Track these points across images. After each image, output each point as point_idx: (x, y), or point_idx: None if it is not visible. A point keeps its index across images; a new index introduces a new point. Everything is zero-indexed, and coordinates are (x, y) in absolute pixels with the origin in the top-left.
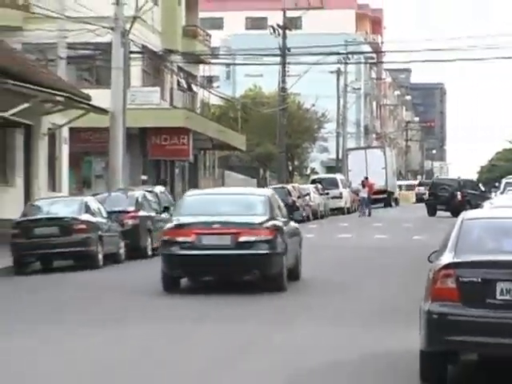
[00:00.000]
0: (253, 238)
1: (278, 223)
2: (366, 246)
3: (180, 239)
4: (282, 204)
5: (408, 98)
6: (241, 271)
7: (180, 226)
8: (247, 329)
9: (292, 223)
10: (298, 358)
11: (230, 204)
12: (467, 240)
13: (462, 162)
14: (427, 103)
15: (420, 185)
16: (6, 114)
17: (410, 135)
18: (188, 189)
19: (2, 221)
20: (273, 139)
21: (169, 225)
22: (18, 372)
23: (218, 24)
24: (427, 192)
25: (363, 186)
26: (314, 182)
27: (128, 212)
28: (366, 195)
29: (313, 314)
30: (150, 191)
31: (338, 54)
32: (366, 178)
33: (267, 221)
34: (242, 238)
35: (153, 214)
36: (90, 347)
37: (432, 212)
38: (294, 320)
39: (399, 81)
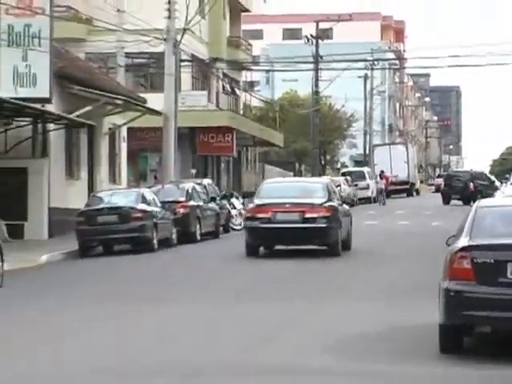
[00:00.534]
0: (315, 215)
1: (334, 204)
2: (392, 231)
3: (260, 216)
4: (336, 190)
5: (427, 99)
6: (306, 241)
7: (260, 206)
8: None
9: (345, 205)
10: (339, 323)
11: (297, 189)
12: (481, 226)
13: (476, 156)
14: (444, 104)
15: (439, 177)
16: (72, 116)
17: (430, 133)
18: (232, 181)
19: (68, 210)
20: (307, 137)
21: (251, 205)
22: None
23: (258, 35)
24: (443, 183)
25: (381, 178)
26: (344, 174)
27: (179, 202)
28: (383, 186)
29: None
30: (198, 183)
31: (365, 60)
32: (383, 172)
33: (326, 202)
34: (307, 215)
35: (201, 203)
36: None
37: (447, 201)
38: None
39: (419, 84)
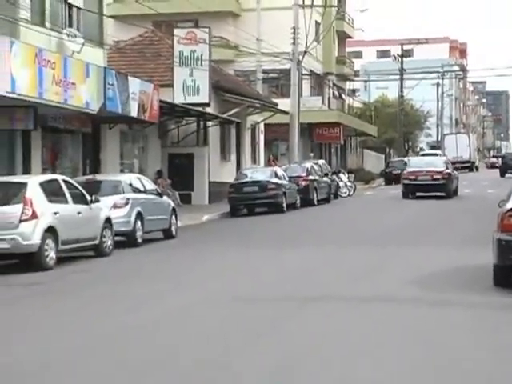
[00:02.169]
0: (439, 176)
1: (449, 171)
2: (459, 195)
3: (410, 177)
4: (450, 163)
5: (484, 100)
6: (434, 191)
7: (409, 172)
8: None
9: (455, 172)
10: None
11: (429, 162)
12: None
13: None
14: (497, 103)
15: (493, 157)
16: (224, 115)
17: (485, 125)
18: (340, 162)
19: (222, 183)
20: (394, 128)
21: (405, 171)
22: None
23: (358, 55)
24: (500, 161)
25: None
26: (423, 155)
27: (301, 177)
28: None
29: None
30: (315, 163)
31: (437, 72)
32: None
33: (445, 169)
34: (434, 176)
35: (317, 177)
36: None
37: (503, 174)
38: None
39: (478, 89)
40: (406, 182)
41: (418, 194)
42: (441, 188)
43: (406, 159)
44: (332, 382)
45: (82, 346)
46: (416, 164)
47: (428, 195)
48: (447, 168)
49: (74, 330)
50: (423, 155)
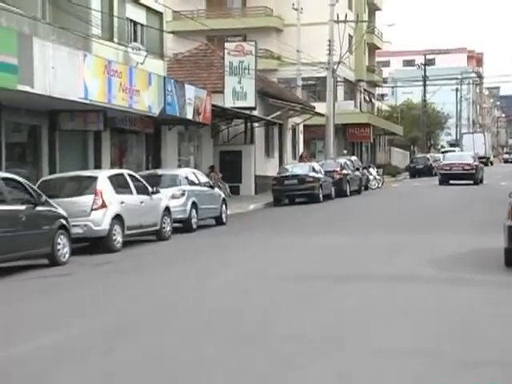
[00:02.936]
0: (469, 168)
1: (477, 163)
2: (465, 188)
3: (446, 168)
4: (477, 158)
5: (498, 103)
6: (464, 179)
7: (445, 164)
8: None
9: (481, 165)
10: (438, 248)
11: (460, 156)
12: None
13: None
14: (509, 106)
15: (506, 153)
16: (268, 118)
17: (499, 125)
18: (370, 158)
19: (267, 177)
20: (418, 128)
21: (441, 164)
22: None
23: (386, 64)
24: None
25: None
26: (442, 152)
27: (336, 171)
28: None
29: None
30: (348, 159)
31: (456, 79)
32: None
33: (473, 162)
34: (465, 167)
35: (350, 171)
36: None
37: None
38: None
39: (493, 93)
40: (443, 171)
41: (451, 181)
42: (470, 177)
43: (440, 155)
44: (366, 338)
45: (157, 309)
46: (450, 158)
47: (459, 183)
48: (475, 161)
49: (145, 299)
50: (444, 152)
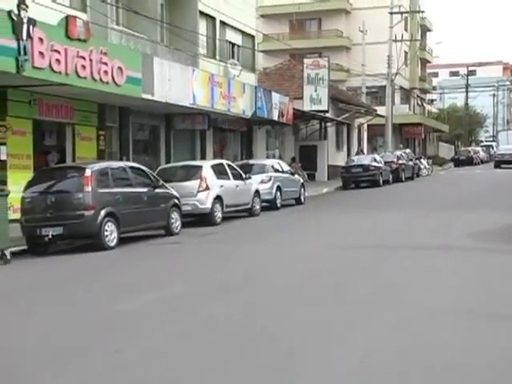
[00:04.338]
0: None
1: None
2: (502, 174)
3: (499, 156)
4: None
5: None
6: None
7: (498, 154)
8: None
9: None
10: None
11: (508, 148)
12: None
13: None
14: None
15: None
16: (339, 119)
17: None
18: (421, 150)
19: (337, 166)
20: (461, 126)
21: (496, 153)
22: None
23: (435, 74)
24: None
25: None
26: (482, 146)
27: (393, 161)
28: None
29: None
30: (403, 152)
31: (493, 86)
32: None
33: None
34: None
35: (405, 162)
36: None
37: None
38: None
39: None
40: (497, 159)
41: (502, 166)
42: None
43: (479, 148)
44: (421, 288)
45: (251, 271)
46: (502, 149)
47: (508, 166)
48: None
49: (240, 262)
50: (482, 146)
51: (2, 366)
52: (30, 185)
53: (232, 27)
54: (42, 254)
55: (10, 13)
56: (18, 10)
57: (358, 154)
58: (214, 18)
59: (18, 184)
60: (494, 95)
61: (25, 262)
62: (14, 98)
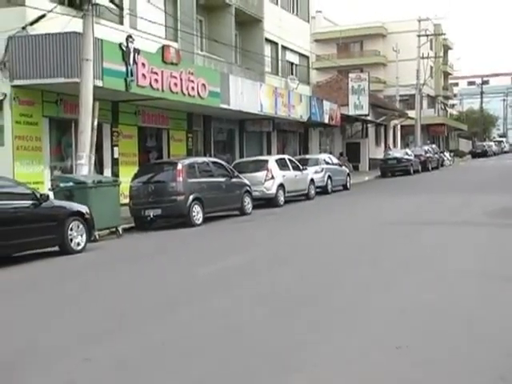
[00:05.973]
0: None
1: None
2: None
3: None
4: None
5: None
6: None
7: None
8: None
9: None
10: (486, 205)
11: None
12: None
13: None
14: None
15: None
16: (377, 121)
17: None
18: (444, 145)
19: (376, 159)
20: (477, 125)
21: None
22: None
23: (456, 84)
24: None
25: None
26: (494, 141)
27: (422, 155)
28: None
29: None
30: (430, 147)
31: (503, 93)
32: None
33: None
34: None
35: (431, 155)
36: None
37: None
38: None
39: None
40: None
41: None
42: None
43: (492, 143)
44: (443, 261)
45: (309, 244)
46: None
47: None
48: None
49: (299, 235)
50: (495, 141)
51: (128, 296)
52: (135, 177)
53: (291, 50)
54: (146, 229)
55: (120, 45)
56: (127, 42)
57: (385, 150)
58: (276, 44)
59: (127, 176)
60: (504, 100)
61: (133, 236)
62: (123, 109)
